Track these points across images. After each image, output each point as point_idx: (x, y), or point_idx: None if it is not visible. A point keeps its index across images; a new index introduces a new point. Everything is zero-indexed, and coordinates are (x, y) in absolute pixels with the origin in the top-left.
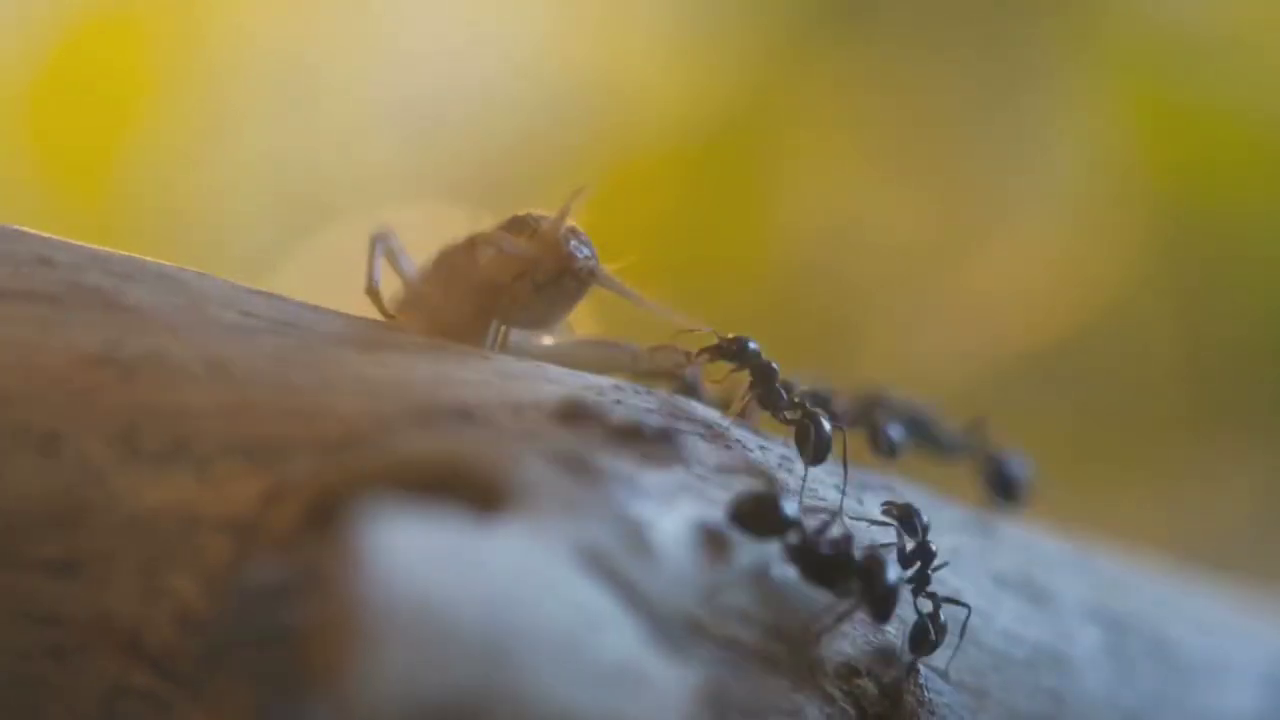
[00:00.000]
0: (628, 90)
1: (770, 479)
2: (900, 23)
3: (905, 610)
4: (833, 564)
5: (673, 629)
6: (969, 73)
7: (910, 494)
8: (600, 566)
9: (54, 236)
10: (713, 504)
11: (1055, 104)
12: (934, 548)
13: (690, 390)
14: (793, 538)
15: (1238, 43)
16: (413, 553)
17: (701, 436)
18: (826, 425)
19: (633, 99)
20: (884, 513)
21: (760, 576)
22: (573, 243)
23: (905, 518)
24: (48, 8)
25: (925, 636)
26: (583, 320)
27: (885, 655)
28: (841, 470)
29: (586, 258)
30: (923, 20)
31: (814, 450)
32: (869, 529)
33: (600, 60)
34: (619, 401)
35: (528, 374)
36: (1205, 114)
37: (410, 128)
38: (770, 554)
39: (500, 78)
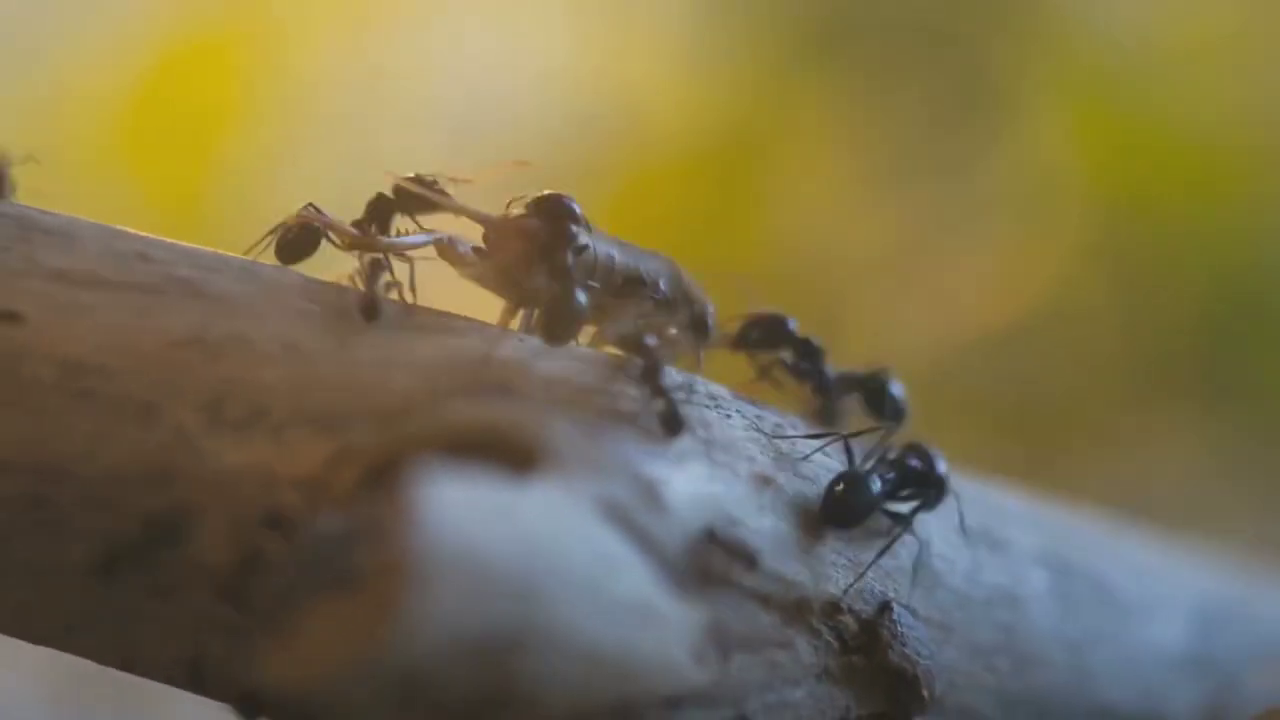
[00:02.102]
0: (639, 109)
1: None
2: (874, 51)
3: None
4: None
5: (681, 572)
6: (934, 93)
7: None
8: (619, 518)
9: (151, 235)
10: (717, 465)
11: (1010, 118)
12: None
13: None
14: None
15: (1171, 59)
16: (458, 507)
17: (707, 407)
18: None
19: (643, 117)
20: None
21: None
22: None
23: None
24: (141, 42)
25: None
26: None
27: (864, 595)
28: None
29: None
30: (893, 49)
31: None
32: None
33: (616, 83)
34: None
35: (557, 353)
36: (1142, 126)
37: (454, 141)
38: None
39: (529, 99)
